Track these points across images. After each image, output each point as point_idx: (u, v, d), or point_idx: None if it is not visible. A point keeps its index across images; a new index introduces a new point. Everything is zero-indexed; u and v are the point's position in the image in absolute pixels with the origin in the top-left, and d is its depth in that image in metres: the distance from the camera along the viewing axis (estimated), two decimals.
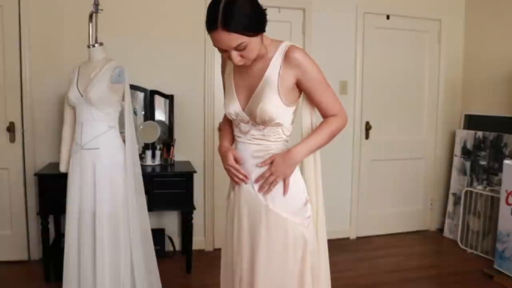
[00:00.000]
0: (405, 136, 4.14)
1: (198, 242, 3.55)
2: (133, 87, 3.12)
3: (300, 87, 1.49)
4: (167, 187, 3.08)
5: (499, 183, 3.39)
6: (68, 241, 2.34)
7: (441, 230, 4.20)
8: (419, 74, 4.12)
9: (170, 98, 3.41)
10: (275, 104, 1.45)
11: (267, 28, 1.42)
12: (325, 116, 1.54)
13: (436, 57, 4.14)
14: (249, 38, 1.34)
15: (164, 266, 2.90)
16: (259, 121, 1.47)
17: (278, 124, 1.48)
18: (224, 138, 1.67)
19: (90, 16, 2.51)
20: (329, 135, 1.51)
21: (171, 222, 3.60)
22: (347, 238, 4.00)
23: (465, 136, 3.98)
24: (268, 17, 1.41)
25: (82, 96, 2.33)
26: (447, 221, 4.12)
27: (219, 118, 3.56)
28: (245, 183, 1.53)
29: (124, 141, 2.38)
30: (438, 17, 4.07)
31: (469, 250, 3.72)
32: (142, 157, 3.22)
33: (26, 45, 3.16)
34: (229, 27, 1.30)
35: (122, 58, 2.64)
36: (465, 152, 3.97)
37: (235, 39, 1.32)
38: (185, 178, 3.11)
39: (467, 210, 3.81)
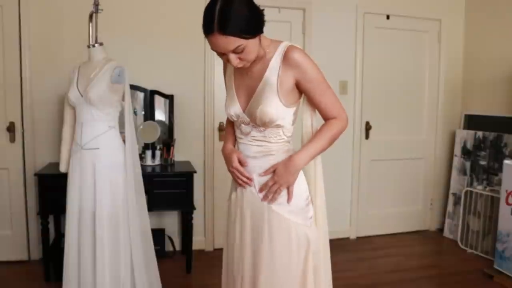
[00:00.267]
0: (405, 136, 4.14)
1: (198, 242, 3.55)
2: (133, 87, 3.12)
3: (299, 88, 1.48)
4: (167, 187, 3.08)
5: (499, 183, 3.39)
6: (68, 241, 2.34)
7: (441, 230, 4.20)
8: (419, 74, 4.12)
9: (170, 98, 3.41)
10: (275, 105, 1.44)
11: (267, 28, 1.42)
12: (325, 117, 1.54)
13: (436, 57, 4.14)
14: (247, 41, 1.33)
15: (164, 266, 2.90)
16: (259, 123, 1.47)
17: (279, 126, 1.48)
18: (228, 139, 1.66)
19: (90, 16, 2.51)
20: (330, 139, 1.51)
21: (171, 222, 3.60)
22: (347, 238, 4.00)
23: (465, 136, 3.98)
24: (268, 17, 1.41)
25: (82, 96, 2.33)
26: (447, 221, 4.12)
27: (219, 118, 3.56)
28: (249, 185, 1.53)
29: (124, 141, 2.39)
30: (438, 17, 4.07)
31: (469, 250, 3.72)
32: (142, 157, 3.22)
33: (26, 45, 3.16)
34: (226, 31, 1.29)
35: (122, 58, 2.64)
36: (465, 152, 3.97)
37: (232, 42, 1.31)
38: (185, 178, 3.11)
39: (467, 210, 3.81)
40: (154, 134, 3.26)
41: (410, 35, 4.03)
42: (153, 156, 3.29)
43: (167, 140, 3.40)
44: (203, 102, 3.54)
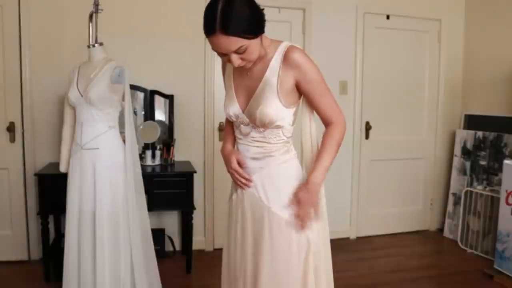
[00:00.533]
0: (405, 136, 4.14)
1: (198, 242, 3.55)
2: (133, 87, 3.12)
3: (299, 89, 1.48)
4: (167, 187, 3.08)
5: (499, 183, 3.39)
6: (68, 241, 2.34)
7: (441, 230, 4.20)
8: (419, 74, 4.12)
9: (170, 98, 3.41)
10: (275, 106, 1.44)
11: (267, 28, 1.41)
12: (323, 118, 1.53)
13: (436, 57, 4.14)
14: (249, 41, 1.33)
15: (164, 266, 2.90)
16: (259, 124, 1.46)
17: (279, 126, 1.48)
18: (227, 140, 1.66)
19: (90, 16, 2.51)
20: (336, 148, 1.51)
21: (171, 222, 3.60)
22: (347, 238, 4.00)
23: (465, 136, 3.98)
24: (268, 17, 1.40)
25: (82, 96, 2.33)
26: (447, 221, 4.12)
27: (219, 118, 3.56)
28: (248, 187, 1.53)
29: (124, 141, 2.39)
30: (438, 17, 4.07)
31: (469, 250, 3.72)
32: (142, 157, 3.22)
33: (26, 45, 3.16)
34: (228, 31, 1.28)
35: (122, 58, 2.64)
36: (465, 152, 3.97)
37: (234, 42, 1.30)
38: (185, 178, 3.11)
39: (467, 210, 3.81)
40: (154, 134, 3.26)
41: (410, 35, 4.03)
42: (153, 156, 3.29)
43: (167, 140, 3.40)
44: (203, 102, 3.54)
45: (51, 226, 3.14)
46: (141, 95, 3.38)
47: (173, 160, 3.35)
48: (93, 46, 2.43)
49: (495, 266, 3.21)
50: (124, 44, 3.27)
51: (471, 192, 3.79)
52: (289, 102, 1.47)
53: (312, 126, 1.57)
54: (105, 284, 2.29)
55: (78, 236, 2.32)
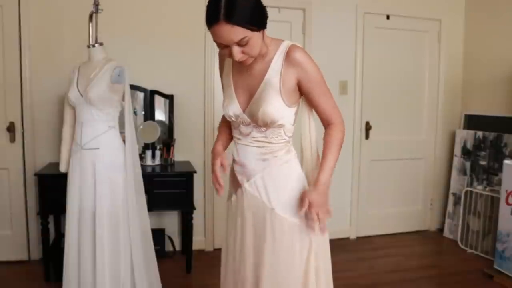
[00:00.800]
0: (405, 136, 4.14)
1: (198, 242, 3.55)
2: (133, 87, 3.12)
3: (300, 88, 1.47)
4: (167, 187, 3.08)
5: (499, 183, 3.39)
6: (68, 241, 2.34)
7: (441, 230, 4.20)
8: (419, 74, 4.12)
9: (170, 98, 3.41)
10: (277, 105, 1.43)
11: (267, 28, 1.41)
12: (323, 118, 1.52)
13: (436, 57, 4.14)
14: (252, 33, 1.32)
15: (164, 266, 2.90)
16: (261, 123, 1.45)
17: (280, 126, 1.47)
18: (218, 140, 1.65)
19: (90, 16, 2.51)
20: (339, 147, 1.51)
21: (171, 222, 3.60)
22: (347, 238, 4.00)
23: (465, 136, 3.98)
24: (268, 17, 1.41)
25: (82, 96, 2.33)
26: (447, 221, 4.12)
27: (219, 118, 3.51)
28: (218, 193, 1.53)
29: (124, 141, 2.39)
30: (438, 17, 4.07)
31: (469, 250, 3.72)
32: (142, 157, 3.22)
33: (26, 45, 3.16)
34: (232, 20, 1.27)
35: (122, 58, 2.64)
36: (465, 152, 3.97)
37: (238, 33, 1.29)
38: (185, 178, 3.11)
39: (467, 210, 3.81)
40: (154, 134, 3.26)
41: (410, 35, 4.03)
42: (153, 156, 3.29)
43: (167, 140, 3.40)
44: (203, 102, 3.54)
45: (51, 226, 3.14)
46: (141, 95, 3.38)
47: (173, 160, 3.35)
48: (93, 46, 2.43)
49: (495, 266, 3.21)
50: (124, 44, 3.27)
51: (471, 192, 3.79)
52: (291, 101, 1.47)
53: (312, 126, 1.56)
54: (105, 284, 2.29)
55: (78, 236, 2.32)
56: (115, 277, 2.33)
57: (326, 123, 1.53)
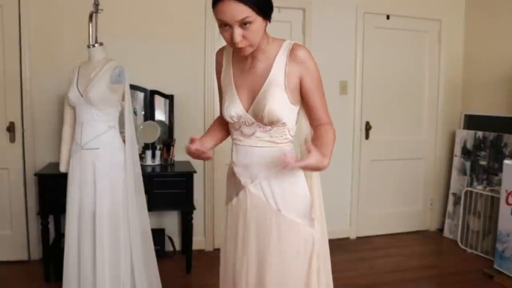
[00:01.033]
0: (405, 136, 4.14)
1: (198, 242, 3.55)
2: (133, 87, 3.12)
3: (300, 87, 1.47)
4: (167, 187, 3.08)
5: (499, 183, 3.39)
6: (68, 241, 2.34)
7: (441, 230, 4.20)
8: (419, 74, 4.12)
9: (170, 98, 3.41)
10: (283, 103, 1.43)
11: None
12: (316, 119, 1.50)
13: (436, 57, 4.14)
14: (255, 16, 1.32)
15: (164, 266, 2.90)
16: (266, 122, 1.44)
17: (285, 124, 1.46)
18: (206, 135, 1.62)
19: (90, 16, 2.51)
20: (334, 143, 1.47)
21: (171, 222, 3.60)
22: (347, 238, 4.00)
23: (465, 136, 3.98)
24: (273, 10, 1.41)
25: (82, 96, 2.33)
26: (447, 221, 4.12)
27: None
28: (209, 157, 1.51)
29: (124, 141, 2.38)
30: (438, 17, 4.07)
31: (469, 250, 3.72)
32: (142, 157, 3.22)
33: (26, 45, 3.16)
34: None
35: (122, 58, 2.64)
36: (465, 152, 3.97)
37: (243, 10, 1.29)
38: (185, 178, 3.11)
39: (467, 210, 3.81)
40: (154, 134, 3.26)
41: (410, 35, 4.03)
42: (153, 156, 3.29)
43: (167, 140, 3.40)
44: (203, 102, 3.54)
45: (51, 226, 3.14)
46: (141, 95, 3.38)
47: (173, 160, 3.35)
48: (93, 46, 2.43)
49: (495, 266, 3.21)
50: (124, 44, 3.27)
51: (471, 192, 3.79)
52: (295, 99, 1.47)
53: (308, 127, 1.55)
54: (105, 284, 2.29)
55: (78, 236, 2.32)
56: (115, 277, 2.33)
57: (318, 123, 1.50)
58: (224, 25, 1.34)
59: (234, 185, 1.56)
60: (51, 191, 2.88)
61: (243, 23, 1.32)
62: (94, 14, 2.50)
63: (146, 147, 3.30)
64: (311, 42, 3.70)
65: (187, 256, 3.20)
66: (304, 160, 1.32)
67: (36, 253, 3.30)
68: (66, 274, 2.35)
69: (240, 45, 1.35)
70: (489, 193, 3.61)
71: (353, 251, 3.72)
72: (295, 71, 1.44)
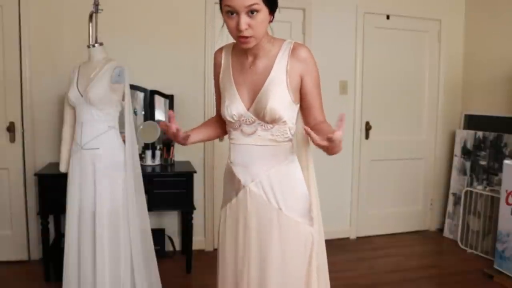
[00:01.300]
0: (405, 136, 4.14)
1: (198, 242, 3.55)
2: (133, 87, 3.12)
3: (300, 86, 1.47)
4: (167, 187, 3.08)
5: (499, 183, 3.39)
6: (68, 241, 2.34)
7: (441, 230, 4.20)
8: (419, 74, 4.12)
9: (170, 98, 3.41)
10: (284, 101, 1.43)
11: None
12: (313, 119, 1.49)
13: (436, 57, 4.14)
14: (263, 5, 1.34)
15: (164, 266, 2.90)
16: (268, 120, 1.44)
17: (285, 123, 1.46)
18: (195, 129, 1.62)
19: (90, 16, 2.51)
20: None
21: (171, 222, 3.60)
22: (347, 238, 4.00)
23: (465, 136, 3.98)
24: (278, 6, 1.43)
25: (82, 96, 2.33)
26: (447, 221, 4.11)
27: None
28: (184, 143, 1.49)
29: (124, 141, 2.38)
30: (438, 17, 4.07)
31: (469, 250, 3.72)
32: (142, 157, 3.22)
33: (26, 45, 3.16)
34: None
35: (122, 58, 2.64)
36: (465, 152, 3.97)
37: None
38: (185, 178, 3.11)
39: (467, 210, 3.81)
40: (154, 134, 3.26)
41: (410, 35, 4.03)
42: (153, 156, 3.29)
43: (167, 140, 3.39)
44: (203, 102, 3.54)
45: (51, 226, 3.14)
46: (141, 95, 3.38)
47: (173, 160, 3.35)
48: (93, 46, 2.43)
49: (495, 266, 3.21)
50: (124, 44, 3.27)
51: (471, 192, 3.79)
52: (296, 98, 1.47)
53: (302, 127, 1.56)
54: (105, 284, 2.29)
55: (78, 236, 2.32)
56: (115, 277, 2.33)
57: (315, 122, 1.49)
58: (231, 13, 1.35)
59: (233, 185, 1.55)
60: (51, 191, 2.88)
61: (250, 11, 1.33)
62: (94, 14, 2.50)
63: (146, 147, 3.30)
64: (311, 42, 3.70)
65: (187, 256, 3.20)
66: (339, 130, 1.22)
67: (36, 253, 3.30)
68: (66, 274, 2.35)
69: (245, 34, 1.35)
70: (489, 193, 3.61)
71: (353, 251, 3.71)
72: (297, 70, 1.44)
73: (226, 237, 1.59)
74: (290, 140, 1.52)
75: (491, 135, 3.74)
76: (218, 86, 1.60)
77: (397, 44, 3.99)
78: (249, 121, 1.48)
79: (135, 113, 3.33)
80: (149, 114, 3.41)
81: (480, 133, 3.84)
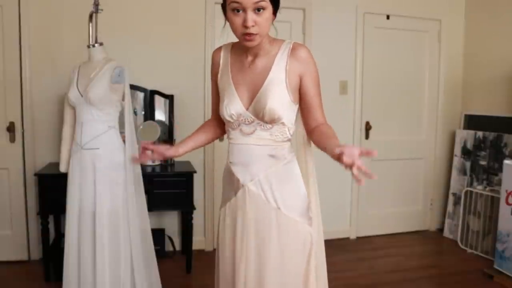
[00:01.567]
0: (405, 136, 4.14)
1: (198, 242, 3.55)
2: (133, 87, 3.12)
3: (299, 86, 1.47)
4: (167, 187, 3.08)
5: (499, 183, 3.39)
6: (68, 241, 2.34)
7: (441, 230, 4.20)
8: (419, 74, 4.12)
9: (170, 98, 3.41)
10: (284, 101, 1.43)
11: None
12: (313, 119, 1.48)
13: (436, 57, 4.14)
14: (269, 4, 1.37)
15: (164, 266, 2.90)
16: (267, 119, 1.44)
17: (284, 123, 1.46)
18: (183, 141, 1.68)
19: (90, 16, 2.51)
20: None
21: (171, 222, 3.60)
22: (347, 238, 4.00)
23: (465, 136, 3.98)
24: (279, 7, 1.45)
25: (82, 96, 2.33)
26: (447, 221, 4.11)
27: None
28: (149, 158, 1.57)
29: (124, 141, 2.39)
30: (438, 17, 4.07)
31: (469, 250, 3.72)
32: None
33: (26, 45, 3.16)
34: None
35: (122, 58, 2.64)
36: (465, 152, 3.97)
37: None
38: (185, 178, 3.11)
39: (467, 210, 3.81)
40: (154, 134, 3.26)
41: (410, 35, 4.03)
42: None
43: (167, 140, 3.39)
44: (203, 102, 3.54)
45: (51, 226, 3.14)
46: (141, 95, 3.38)
47: (173, 160, 3.35)
48: (93, 46, 2.43)
49: (495, 266, 3.21)
50: (124, 44, 3.27)
51: (471, 192, 3.79)
52: (295, 98, 1.47)
53: (302, 128, 1.56)
54: (105, 284, 2.29)
55: (78, 236, 2.32)
56: (115, 277, 2.33)
57: (316, 123, 1.49)
58: (237, 10, 1.35)
59: (232, 185, 1.55)
60: (51, 191, 2.88)
61: (257, 9, 1.35)
62: (94, 14, 2.50)
63: None
64: (311, 42, 3.70)
65: (187, 256, 3.20)
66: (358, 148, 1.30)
67: (36, 253, 3.29)
68: (66, 274, 2.36)
69: (251, 31, 1.36)
70: (489, 193, 3.61)
71: (353, 251, 3.71)
72: (296, 70, 1.44)
73: (225, 236, 1.59)
74: (289, 140, 1.52)
75: (491, 135, 3.74)
76: (216, 85, 1.60)
77: (397, 44, 3.99)
78: (248, 121, 1.48)
79: (135, 113, 3.33)
80: (149, 114, 3.41)
81: (480, 133, 3.84)
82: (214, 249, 3.59)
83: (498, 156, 3.66)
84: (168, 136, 3.43)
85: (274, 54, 1.46)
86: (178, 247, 3.59)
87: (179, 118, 3.48)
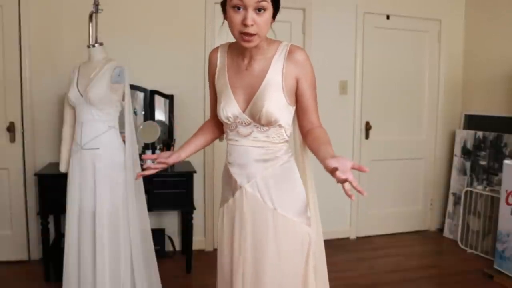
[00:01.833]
0: (405, 136, 4.14)
1: (198, 242, 3.55)
2: (133, 87, 3.12)
3: (296, 89, 1.47)
4: (167, 187, 3.08)
5: (499, 183, 3.39)
6: (68, 241, 2.34)
7: (441, 230, 4.20)
8: (419, 74, 4.12)
9: (170, 98, 3.41)
10: (280, 104, 1.43)
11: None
12: (309, 122, 1.48)
13: (436, 57, 4.14)
14: (270, 4, 1.37)
15: (164, 266, 2.90)
16: (264, 122, 1.44)
17: (281, 126, 1.46)
18: (183, 146, 1.68)
19: (90, 16, 2.51)
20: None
21: (171, 222, 3.60)
22: (347, 238, 4.00)
23: (465, 136, 3.98)
24: (279, 10, 1.45)
25: (82, 96, 2.33)
26: (447, 221, 4.12)
27: None
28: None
29: (124, 141, 2.39)
30: (438, 17, 4.08)
31: (469, 250, 3.72)
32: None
33: (26, 45, 3.17)
34: None
35: (122, 58, 2.64)
36: (465, 152, 3.97)
37: None
38: (185, 178, 3.11)
39: (467, 210, 3.81)
40: (154, 134, 3.26)
41: (410, 35, 4.03)
42: None
43: (167, 140, 3.40)
44: (203, 102, 3.54)
45: (51, 226, 3.14)
46: (141, 95, 3.38)
47: None
48: (93, 46, 2.43)
49: (495, 266, 3.21)
50: (124, 44, 3.27)
51: (471, 192, 3.79)
52: (292, 101, 1.47)
53: (297, 130, 1.56)
54: (105, 284, 2.29)
55: (78, 236, 2.32)
56: (115, 277, 2.33)
57: (311, 126, 1.49)
58: (238, 8, 1.35)
59: (230, 185, 1.56)
60: (51, 191, 2.88)
61: (258, 9, 1.35)
62: (94, 14, 2.50)
63: (146, 147, 3.30)
64: (311, 42, 3.70)
65: (187, 256, 3.20)
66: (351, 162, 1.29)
67: (36, 253, 3.30)
68: (66, 274, 2.35)
69: (250, 30, 1.35)
70: (489, 193, 3.61)
71: (353, 251, 3.71)
72: (293, 73, 1.44)
73: (223, 237, 1.60)
74: (286, 141, 1.52)
75: (491, 135, 3.74)
76: (213, 86, 1.61)
77: (397, 44, 3.99)
78: (245, 123, 1.48)
79: (135, 113, 3.33)
80: (149, 114, 3.41)
81: (480, 133, 3.84)
82: (214, 249, 3.63)
83: (498, 156, 3.66)
84: (168, 136, 3.43)
85: (271, 57, 1.46)
86: (178, 247, 3.59)
87: (179, 118, 3.48)
